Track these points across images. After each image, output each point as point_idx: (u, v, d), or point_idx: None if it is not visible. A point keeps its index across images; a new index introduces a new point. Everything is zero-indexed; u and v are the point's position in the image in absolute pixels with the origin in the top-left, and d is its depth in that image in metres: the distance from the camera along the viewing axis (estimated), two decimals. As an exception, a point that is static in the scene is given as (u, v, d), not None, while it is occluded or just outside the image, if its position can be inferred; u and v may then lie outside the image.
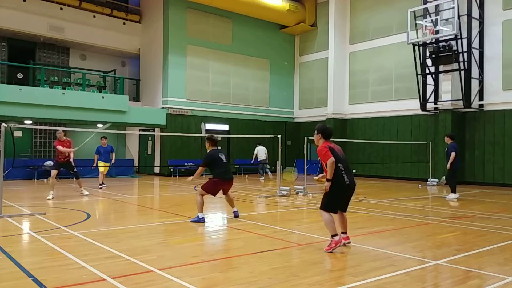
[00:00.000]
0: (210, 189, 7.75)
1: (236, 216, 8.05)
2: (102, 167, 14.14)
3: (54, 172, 11.49)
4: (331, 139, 6.00)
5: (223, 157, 7.79)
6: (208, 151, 7.94)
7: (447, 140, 12.01)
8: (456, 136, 17.08)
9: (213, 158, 7.77)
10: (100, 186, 13.84)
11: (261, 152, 18.92)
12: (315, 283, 4.22)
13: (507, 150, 16.23)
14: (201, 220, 7.54)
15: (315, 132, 5.88)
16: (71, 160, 11.73)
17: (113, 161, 14.50)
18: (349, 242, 5.85)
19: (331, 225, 5.55)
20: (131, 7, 22.56)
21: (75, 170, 11.94)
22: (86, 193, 11.91)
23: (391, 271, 4.64)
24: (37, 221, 7.64)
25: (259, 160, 19.03)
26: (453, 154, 11.48)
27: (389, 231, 7.01)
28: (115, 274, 4.36)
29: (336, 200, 5.64)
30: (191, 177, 7.88)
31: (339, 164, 5.60)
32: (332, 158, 5.52)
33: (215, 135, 8.13)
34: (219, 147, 8.48)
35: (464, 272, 4.66)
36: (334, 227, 5.55)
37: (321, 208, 5.64)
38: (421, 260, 5.15)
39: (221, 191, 7.98)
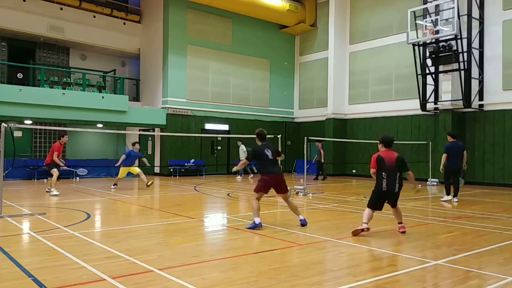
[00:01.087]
0: (259, 188, 7.45)
1: (303, 225, 7.30)
2: (126, 169, 13.97)
3: (56, 171, 11.81)
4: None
5: (269, 152, 7.57)
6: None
7: (448, 138, 11.43)
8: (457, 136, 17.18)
9: (256, 154, 7.66)
10: (113, 187, 13.74)
11: (240, 151, 19.15)
12: (315, 283, 4.22)
13: (507, 150, 16.22)
14: (258, 226, 7.07)
15: (378, 142, 7.12)
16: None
17: (147, 164, 15.22)
18: (404, 231, 6.78)
19: (365, 216, 6.70)
20: (131, 7, 22.55)
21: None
22: (56, 193, 11.77)
23: (391, 271, 4.65)
24: (37, 221, 7.64)
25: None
26: (443, 155, 11.13)
27: (389, 231, 7.02)
28: (115, 274, 4.35)
29: (376, 201, 6.80)
30: (235, 167, 8.24)
31: (382, 173, 6.70)
32: (373, 169, 6.80)
33: (264, 131, 7.91)
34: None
35: (464, 272, 4.66)
36: (366, 218, 6.67)
37: (367, 205, 6.85)
38: (421, 260, 5.15)
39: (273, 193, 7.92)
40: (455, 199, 11.05)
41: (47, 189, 12.16)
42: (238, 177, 19.08)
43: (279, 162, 8.48)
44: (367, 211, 6.73)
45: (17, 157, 16.37)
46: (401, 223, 6.89)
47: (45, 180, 16.67)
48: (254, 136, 7.88)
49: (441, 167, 11.24)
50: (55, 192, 11.67)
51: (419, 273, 4.68)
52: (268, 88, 24.02)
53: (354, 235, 6.49)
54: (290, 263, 5.05)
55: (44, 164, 12.56)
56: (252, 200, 7.36)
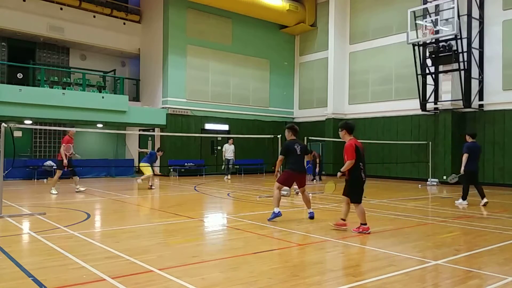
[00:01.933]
0: (283, 180, 7.77)
1: (311, 217, 7.84)
2: (144, 167, 14.30)
3: (60, 172, 12.08)
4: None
5: (298, 148, 7.71)
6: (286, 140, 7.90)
7: (468, 138, 10.63)
8: (456, 136, 17.16)
9: (287, 149, 7.77)
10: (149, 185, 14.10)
11: (229, 150, 19.02)
12: (315, 283, 4.22)
13: (507, 150, 16.22)
14: (278, 215, 7.47)
15: (340, 129, 6.86)
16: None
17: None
18: (346, 227, 6.83)
19: (362, 215, 6.64)
20: (131, 7, 22.56)
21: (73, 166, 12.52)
22: (83, 189, 12.28)
23: (391, 271, 4.64)
24: (37, 221, 7.64)
25: (227, 158, 19.02)
26: (464, 155, 10.28)
27: (389, 231, 7.01)
28: (115, 274, 4.36)
29: (360, 193, 6.71)
30: (277, 170, 8.17)
31: (360, 163, 6.55)
32: (352, 161, 6.51)
33: (295, 125, 8.02)
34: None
35: (464, 272, 4.66)
36: (364, 217, 6.66)
37: (354, 202, 6.73)
38: (421, 260, 5.15)
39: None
40: (485, 200, 10.36)
41: (76, 189, 12.31)
42: (227, 177, 18.80)
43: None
44: (361, 210, 6.66)
45: (17, 157, 16.35)
46: (344, 219, 6.85)
47: (45, 180, 16.69)
48: (285, 131, 8.03)
49: (462, 168, 10.33)
50: (53, 191, 11.79)
51: (419, 273, 4.68)
52: (268, 88, 24.02)
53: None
54: (290, 263, 5.05)
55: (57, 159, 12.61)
56: (274, 189, 7.75)
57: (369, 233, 6.62)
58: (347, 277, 4.50)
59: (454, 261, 5.11)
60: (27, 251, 5.76)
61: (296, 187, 12.52)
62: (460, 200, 10.69)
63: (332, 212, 9.18)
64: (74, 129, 12.66)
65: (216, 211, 9.87)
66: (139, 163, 22.13)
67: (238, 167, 21.34)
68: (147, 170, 14.11)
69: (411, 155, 18.82)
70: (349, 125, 6.85)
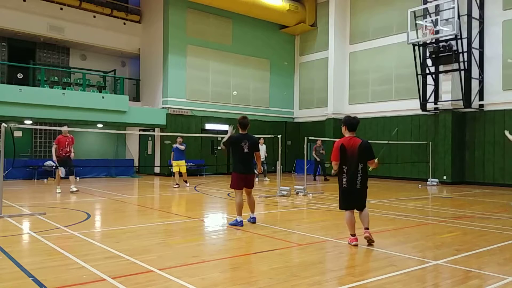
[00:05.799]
0: (233, 184, 7.38)
1: (251, 222, 7.39)
2: (176, 166, 14.87)
3: (59, 171, 12.16)
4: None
5: (246, 145, 7.14)
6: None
7: None
8: (456, 136, 17.17)
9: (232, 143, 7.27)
10: (174, 186, 14.65)
11: (261, 150, 18.49)
12: (315, 283, 4.22)
13: (507, 150, 16.20)
14: (239, 224, 7.20)
15: (342, 124, 6.11)
16: (71, 155, 12.31)
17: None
18: (368, 237, 5.76)
19: (348, 224, 5.93)
20: (131, 7, 22.56)
21: (73, 166, 12.56)
22: (75, 189, 12.24)
23: (391, 271, 4.64)
24: (37, 221, 7.64)
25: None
26: None
27: (389, 231, 7.01)
28: (115, 274, 4.36)
29: (343, 199, 5.95)
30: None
31: (343, 166, 5.83)
32: (336, 162, 5.86)
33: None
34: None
35: (464, 272, 4.66)
36: (350, 226, 5.88)
37: (339, 207, 6.08)
38: (421, 260, 5.15)
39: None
40: None
41: (70, 189, 12.31)
42: (266, 179, 17.98)
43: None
44: (346, 218, 5.95)
45: (17, 157, 16.35)
46: (367, 228, 5.91)
47: (45, 180, 16.69)
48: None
49: None
50: (58, 190, 12.02)
51: (419, 273, 4.68)
52: (268, 88, 24.02)
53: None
54: (290, 263, 5.05)
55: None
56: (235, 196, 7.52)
57: (355, 245, 5.75)
58: (347, 277, 4.50)
59: (454, 261, 5.11)
60: (27, 251, 5.76)
61: (298, 186, 12.62)
62: None
63: (332, 212, 9.18)
64: (65, 128, 12.29)
65: (216, 211, 9.87)
66: (139, 164, 22.24)
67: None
68: (182, 167, 14.96)
69: (411, 155, 18.81)
70: (346, 121, 5.99)
